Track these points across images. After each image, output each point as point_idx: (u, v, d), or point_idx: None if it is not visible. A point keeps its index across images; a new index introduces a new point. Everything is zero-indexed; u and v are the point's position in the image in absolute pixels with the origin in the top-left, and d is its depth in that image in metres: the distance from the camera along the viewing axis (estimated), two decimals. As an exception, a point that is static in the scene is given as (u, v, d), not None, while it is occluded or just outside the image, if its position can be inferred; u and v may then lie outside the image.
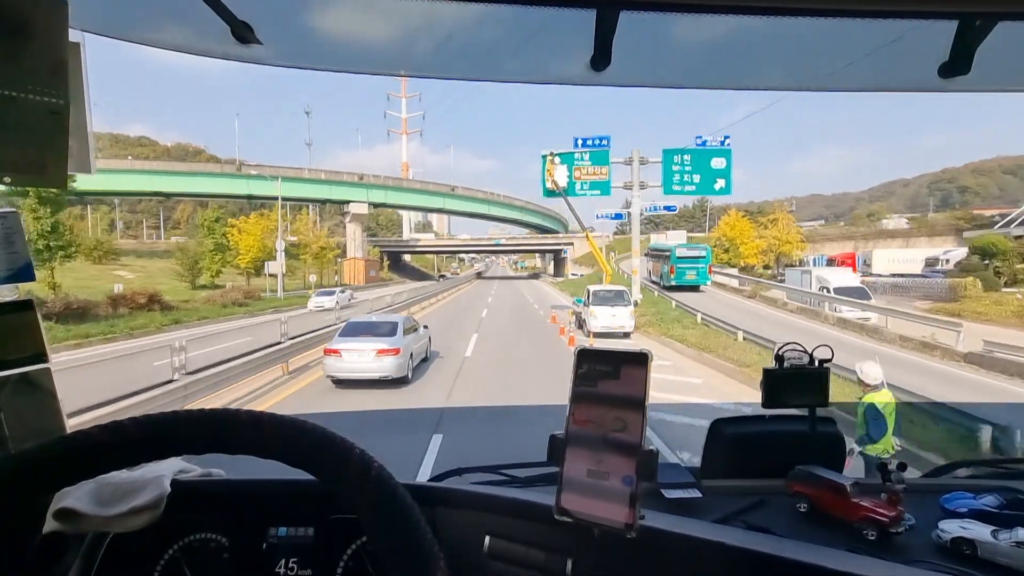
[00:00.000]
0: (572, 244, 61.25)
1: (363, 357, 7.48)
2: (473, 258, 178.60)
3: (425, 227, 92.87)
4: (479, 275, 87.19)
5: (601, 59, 0.80)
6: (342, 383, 7.88)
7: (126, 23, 0.82)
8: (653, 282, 22.21)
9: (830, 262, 26.91)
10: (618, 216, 25.36)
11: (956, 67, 0.76)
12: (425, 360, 10.83)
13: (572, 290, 20.04)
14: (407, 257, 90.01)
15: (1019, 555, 0.83)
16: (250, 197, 37.04)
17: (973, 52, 0.74)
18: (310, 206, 53.22)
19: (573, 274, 55.83)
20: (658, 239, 30.41)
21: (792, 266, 25.36)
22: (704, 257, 23.05)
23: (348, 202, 54.65)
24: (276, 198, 30.32)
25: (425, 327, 10.05)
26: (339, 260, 36.55)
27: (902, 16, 0.70)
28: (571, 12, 0.69)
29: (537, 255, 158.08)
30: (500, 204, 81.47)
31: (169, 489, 0.86)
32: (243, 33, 0.79)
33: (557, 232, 70.37)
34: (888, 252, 37.49)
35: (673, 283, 22.13)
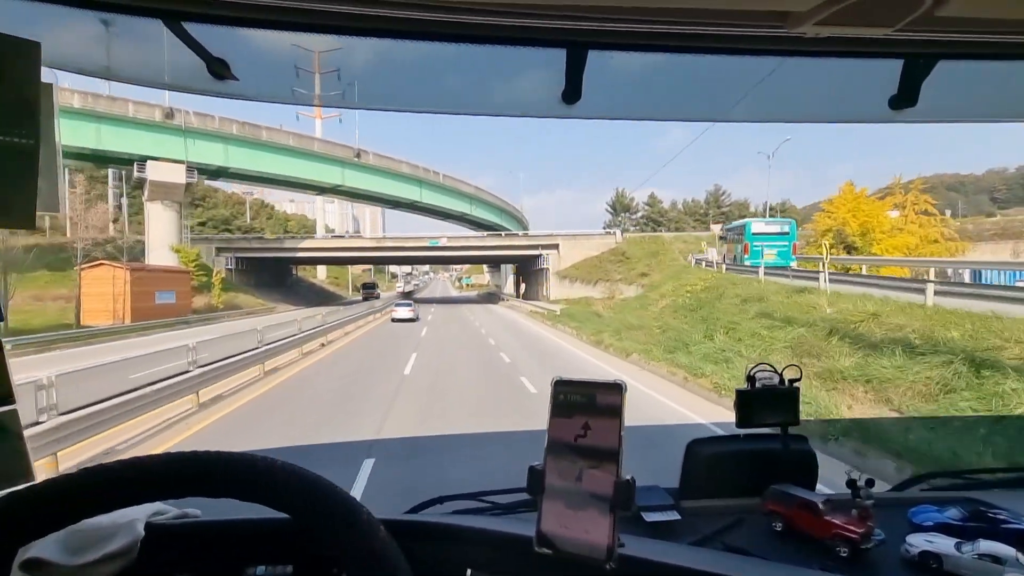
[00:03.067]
0: (556, 247, 44.89)
1: (403, 310, 25.30)
2: (410, 273, 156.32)
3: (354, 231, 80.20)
4: (407, 295, 67.47)
5: (572, 94, 0.85)
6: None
7: (100, 61, 0.86)
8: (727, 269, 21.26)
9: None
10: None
11: (904, 100, 0.84)
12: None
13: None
14: (321, 272, 75.11)
15: (981, 567, 0.81)
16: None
17: (919, 87, 0.82)
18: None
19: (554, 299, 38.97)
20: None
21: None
22: (788, 234, 22.13)
23: (141, 161, 33.88)
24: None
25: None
26: (80, 268, 25.55)
27: (855, 56, 0.77)
28: (543, 51, 0.75)
29: (487, 268, 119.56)
30: (439, 188, 58.16)
31: (143, 533, 0.82)
32: (219, 69, 0.81)
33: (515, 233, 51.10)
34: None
35: (748, 264, 20.56)
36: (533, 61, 0.78)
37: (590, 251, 44.46)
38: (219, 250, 41.77)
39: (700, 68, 0.79)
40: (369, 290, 55.79)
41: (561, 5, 0.60)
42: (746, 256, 21.15)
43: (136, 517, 0.82)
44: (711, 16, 0.63)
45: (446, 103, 1.05)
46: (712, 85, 0.90)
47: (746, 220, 24.18)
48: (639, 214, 58.65)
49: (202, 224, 61.70)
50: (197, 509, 0.93)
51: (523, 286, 47.06)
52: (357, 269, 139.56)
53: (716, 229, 30.70)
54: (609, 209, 67.07)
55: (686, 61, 0.76)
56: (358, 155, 41.01)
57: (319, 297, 56.82)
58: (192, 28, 0.69)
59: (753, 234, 22.01)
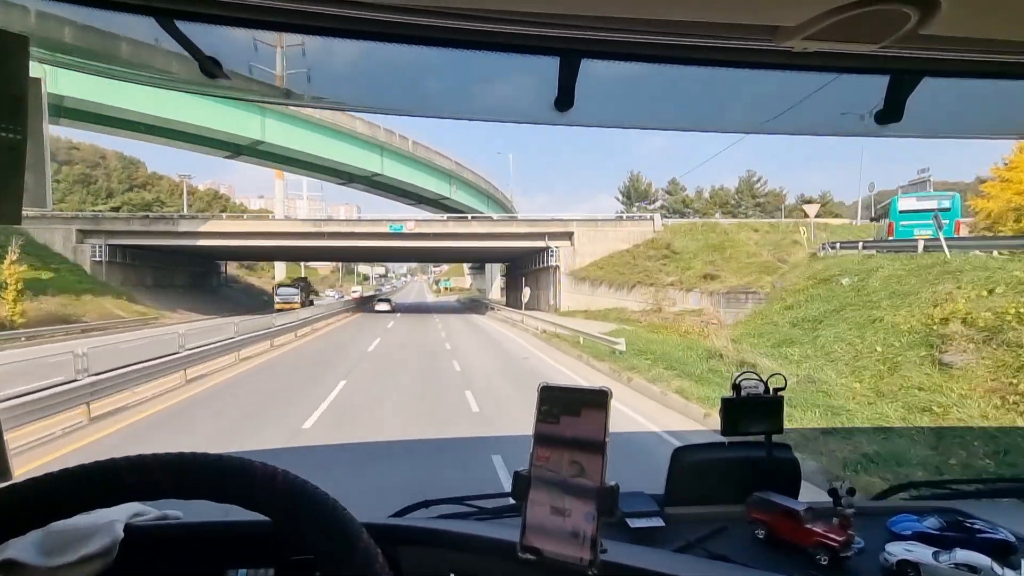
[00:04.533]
0: (569, 237, 34.19)
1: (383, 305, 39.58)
2: (384, 276, 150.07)
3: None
4: (366, 301, 55.47)
5: (564, 101, 0.88)
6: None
7: (90, 57, 0.88)
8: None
9: None
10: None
11: (890, 115, 0.88)
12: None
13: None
14: (280, 272, 64.37)
15: None
16: None
17: (904, 102, 0.86)
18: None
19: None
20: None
21: None
22: (949, 210, 18.78)
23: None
24: None
25: None
26: None
27: (842, 71, 0.83)
28: (536, 59, 0.79)
29: (468, 269, 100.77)
30: (407, 159, 43.55)
31: (122, 535, 0.81)
32: (210, 68, 0.83)
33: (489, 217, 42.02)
34: None
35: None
36: (527, 68, 0.82)
37: (617, 243, 34.26)
38: (84, 234, 32.30)
39: (691, 79, 0.85)
40: (290, 293, 44.35)
41: (556, 14, 0.67)
42: (890, 238, 18.34)
43: (115, 518, 0.81)
44: (703, 29, 0.70)
45: (439, 107, 1.08)
46: (703, 96, 0.96)
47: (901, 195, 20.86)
48: (657, 203, 54.76)
49: (115, 209, 53.89)
50: (178, 511, 0.92)
51: (526, 292, 36.89)
52: (327, 268, 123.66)
53: (810, 210, 27.06)
54: (622, 198, 59.98)
55: (678, 72, 0.80)
56: (287, 94, 24.01)
57: (255, 303, 47.76)
58: (184, 27, 0.72)
59: (901, 212, 18.98)
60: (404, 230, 32.63)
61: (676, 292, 25.52)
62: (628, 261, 30.30)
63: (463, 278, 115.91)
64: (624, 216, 37.31)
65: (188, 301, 35.71)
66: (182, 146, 32.55)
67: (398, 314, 36.78)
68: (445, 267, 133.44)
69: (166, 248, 34.15)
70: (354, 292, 65.66)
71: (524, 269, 42.34)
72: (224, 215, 43.18)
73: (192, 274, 42.75)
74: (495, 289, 69.91)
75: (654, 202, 53.57)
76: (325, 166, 37.51)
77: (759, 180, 56.50)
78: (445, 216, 36.70)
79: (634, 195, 53.94)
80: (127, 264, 32.72)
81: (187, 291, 38.89)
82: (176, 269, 39.71)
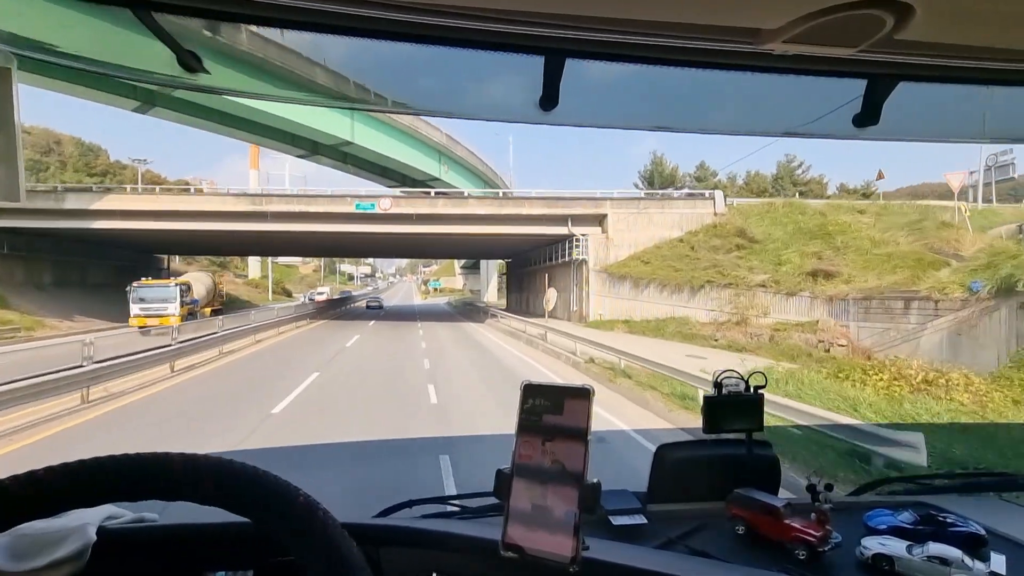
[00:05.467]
0: (600, 222, 26.65)
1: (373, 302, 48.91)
2: (370, 275, 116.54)
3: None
4: (342, 304, 49.25)
5: (548, 101, 0.91)
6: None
7: (64, 47, 0.88)
8: None
9: None
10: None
11: (867, 119, 0.91)
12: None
13: None
14: (254, 269, 62.33)
15: (930, 569, 0.87)
16: None
17: (881, 106, 0.89)
18: None
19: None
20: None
21: None
22: None
23: None
24: None
25: None
26: None
27: (821, 75, 0.89)
28: (521, 57, 0.84)
29: (460, 268, 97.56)
30: (382, 124, 34.20)
31: (95, 538, 0.79)
32: (190, 61, 0.85)
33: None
34: None
35: None
36: (512, 67, 0.87)
37: (665, 229, 26.32)
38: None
39: (675, 80, 0.90)
40: (160, 295, 25.88)
41: (540, 12, 0.71)
42: None
43: (88, 521, 0.82)
44: (686, 30, 0.75)
45: (424, 104, 1.15)
46: (685, 97, 1.03)
47: None
48: (683, 189, 46.24)
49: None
50: (154, 513, 0.94)
51: (550, 294, 26.32)
52: (309, 267, 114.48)
53: (953, 181, 22.25)
54: (642, 184, 52.19)
55: (661, 72, 0.85)
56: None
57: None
58: (163, 19, 0.74)
59: None
60: (377, 210, 24.20)
61: (767, 295, 19.96)
62: (684, 253, 25.66)
63: (454, 278, 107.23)
64: (688, 191, 28.08)
65: (99, 305, 30.67)
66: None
67: (372, 322, 31.83)
68: (436, 266, 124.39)
69: (68, 234, 28.68)
70: (319, 294, 58.87)
71: (531, 265, 37.03)
72: (129, 188, 34.66)
73: (115, 270, 36.97)
74: (491, 290, 63.17)
75: (680, 187, 46.03)
76: (278, 128, 28.37)
77: (800, 166, 53.23)
78: (432, 192, 28.03)
79: (658, 181, 46.93)
80: (9, 255, 27.34)
81: (103, 291, 33.33)
82: (90, 263, 34.66)
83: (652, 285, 23.42)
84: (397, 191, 31.64)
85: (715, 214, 26.33)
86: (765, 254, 22.17)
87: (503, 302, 49.86)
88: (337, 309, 42.35)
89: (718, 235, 24.52)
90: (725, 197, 28.60)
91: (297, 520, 0.54)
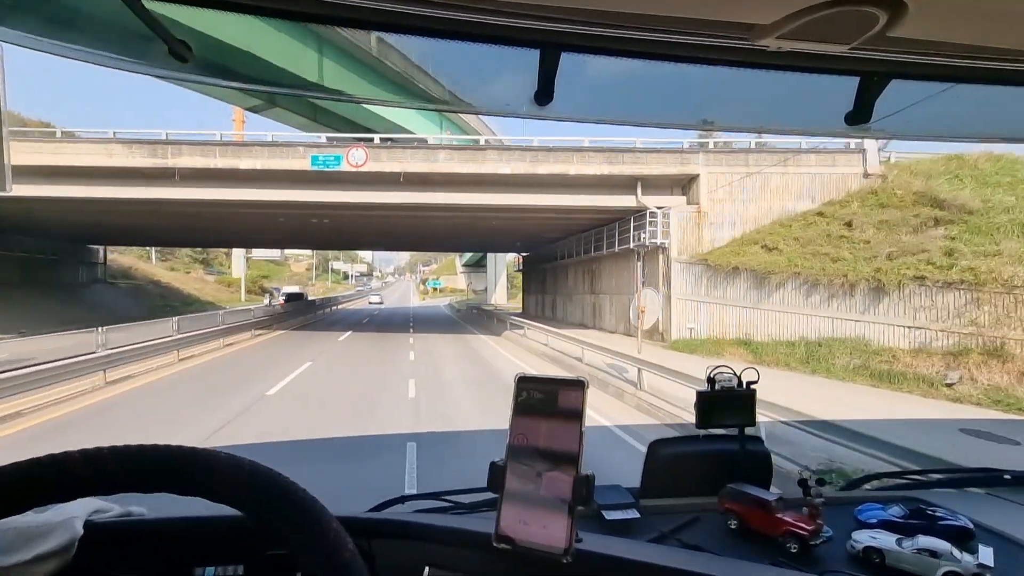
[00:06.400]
0: (686, 188, 15.71)
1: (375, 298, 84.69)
2: (367, 275, 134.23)
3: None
4: (318, 308, 39.25)
5: (544, 95, 0.94)
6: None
7: (50, 35, 0.86)
8: None
9: None
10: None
11: (859, 116, 0.96)
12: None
13: None
14: (238, 263, 52.68)
15: (920, 561, 0.88)
16: None
17: (873, 103, 0.94)
18: None
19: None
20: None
21: None
22: None
23: None
24: None
25: None
26: None
27: (814, 71, 0.92)
28: (516, 52, 0.87)
29: (461, 266, 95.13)
30: (370, 69, 16.92)
31: (81, 532, 0.78)
32: (181, 52, 0.85)
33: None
34: None
35: None
36: (506, 61, 0.91)
37: (788, 199, 17.33)
38: None
39: (668, 75, 0.95)
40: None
41: (536, 6, 0.73)
42: None
43: (74, 515, 0.80)
44: (680, 25, 0.76)
45: (420, 97, 1.23)
46: (679, 92, 1.08)
47: None
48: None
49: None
50: (143, 507, 0.94)
51: (647, 296, 13.42)
52: (301, 265, 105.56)
53: None
54: (695, 141, 35.23)
55: (655, 67, 0.90)
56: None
57: (138, 311, 29.62)
58: (153, 7, 0.76)
59: None
60: (343, 166, 15.41)
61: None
62: (834, 232, 16.20)
63: (456, 277, 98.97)
64: (803, 144, 18.72)
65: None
66: None
67: (345, 335, 23.95)
68: (435, 265, 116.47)
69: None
70: (281, 295, 48.53)
71: (561, 258, 28.03)
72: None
73: (26, 264, 29.50)
74: (499, 291, 53.92)
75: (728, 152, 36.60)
76: (219, 63, 19.51)
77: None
78: (430, 139, 19.18)
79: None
80: None
81: (7, 291, 27.23)
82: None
83: (789, 284, 14.75)
84: (375, 137, 19.52)
85: (866, 174, 17.64)
86: (992, 231, 12.75)
87: (513, 304, 43.89)
88: (307, 315, 34.32)
89: (885, 204, 15.75)
90: (883, 151, 18.44)
91: (293, 513, 0.54)
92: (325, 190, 18.11)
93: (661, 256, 17.84)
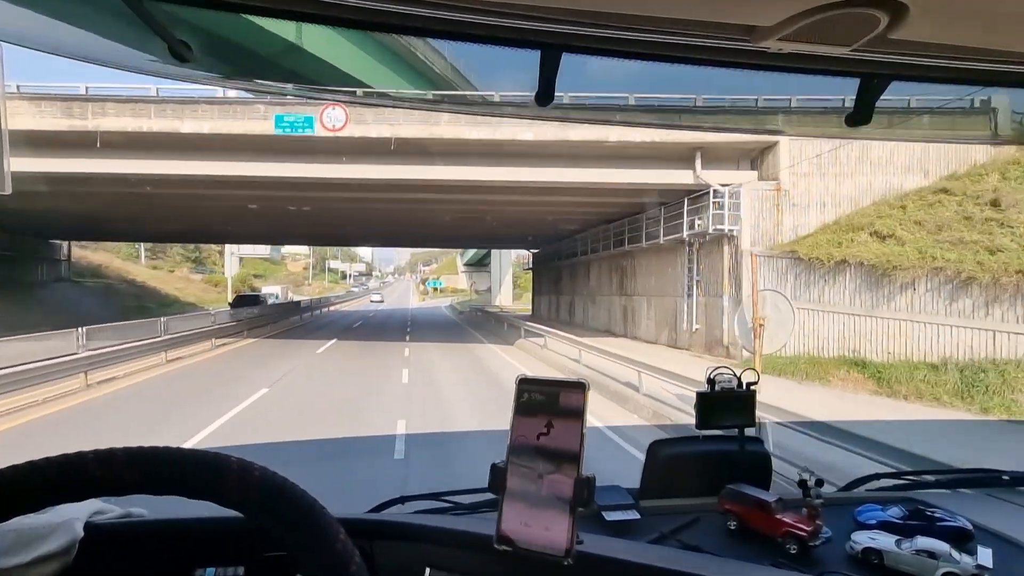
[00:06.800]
0: (757, 162, 11.02)
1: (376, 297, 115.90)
2: (365, 274, 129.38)
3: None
4: (294, 315, 34.46)
5: (545, 96, 0.97)
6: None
7: (51, 36, 0.94)
8: None
9: None
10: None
11: (859, 118, 1.00)
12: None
13: None
14: (233, 271, 44.62)
15: (918, 563, 0.91)
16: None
17: (873, 105, 0.99)
18: None
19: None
20: None
21: None
22: None
23: None
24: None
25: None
26: None
27: (815, 73, 0.98)
28: (517, 52, 0.92)
29: (464, 265, 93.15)
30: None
31: (82, 533, 0.80)
32: (181, 51, 0.87)
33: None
34: None
35: None
36: (507, 61, 0.94)
37: (891, 173, 11.87)
38: None
39: (670, 76, 0.99)
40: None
41: (537, 7, 0.77)
42: None
43: (75, 516, 0.84)
44: (682, 26, 0.80)
45: (413, 96, 1.64)
46: (681, 93, 1.15)
47: None
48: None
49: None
50: (143, 508, 0.98)
51: (771, 301, 7.15)
52: (298, 264, 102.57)
53: None
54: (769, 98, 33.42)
55: (657, 69, 0.92)
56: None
57: (103, 314, 22.87)
58: (153, 6, 0.79)
59: None
60: (316, 131, 11.60)
61: None
62: (972, 214, 11.70)
63: (457, 276, 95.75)
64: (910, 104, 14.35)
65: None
66: None
67: (328, 344, 19.88)
68: (436, 264, 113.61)
69: None
70: (270, 295, 49.38)
71: (583, 254, 23.27)
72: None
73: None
74: (504, 291, 50.05)
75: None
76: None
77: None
78: (431, 94, 14.61)
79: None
80: None
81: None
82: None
83: (921, 284, 10.72)
84: (357, 90, 10.60)
85: (994, 135, 4.80)
86: None
87: (520, 306, 40.89)
88: (291, 318, 31.37)
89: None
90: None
91: (293, 514, 0.55)
92: (295, 162, 13.93)
93: (727, 247, 14.15)
